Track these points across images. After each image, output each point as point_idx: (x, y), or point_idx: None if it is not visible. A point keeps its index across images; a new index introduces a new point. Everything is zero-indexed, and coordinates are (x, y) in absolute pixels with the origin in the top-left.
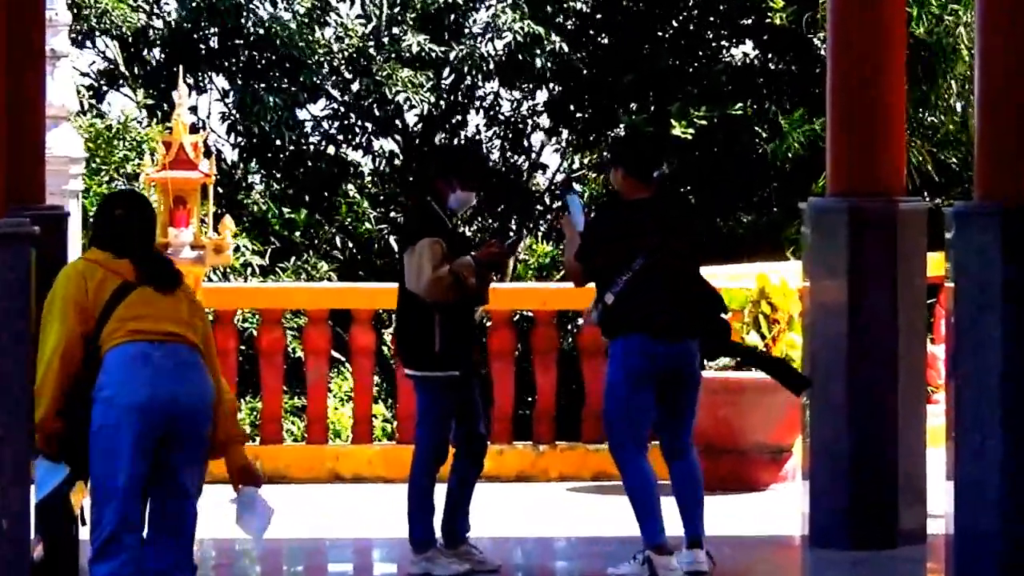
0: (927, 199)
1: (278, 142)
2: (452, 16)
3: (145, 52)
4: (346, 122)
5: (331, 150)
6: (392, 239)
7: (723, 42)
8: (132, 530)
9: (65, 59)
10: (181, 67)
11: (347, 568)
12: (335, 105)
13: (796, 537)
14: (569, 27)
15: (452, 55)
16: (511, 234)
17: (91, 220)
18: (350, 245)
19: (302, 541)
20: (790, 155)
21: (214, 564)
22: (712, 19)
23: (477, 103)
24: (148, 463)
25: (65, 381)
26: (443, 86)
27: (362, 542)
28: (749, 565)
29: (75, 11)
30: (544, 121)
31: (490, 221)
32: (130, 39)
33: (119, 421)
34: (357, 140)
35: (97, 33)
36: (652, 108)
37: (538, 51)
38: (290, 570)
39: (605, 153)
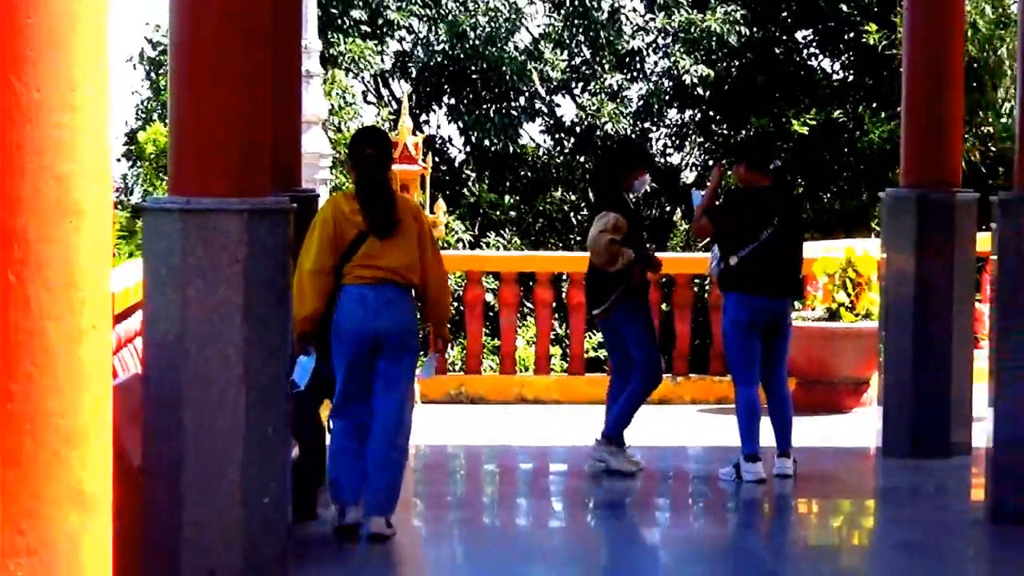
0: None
1: (499, 147)
2: (637, 59)
3: (393, 81)
4: (560, 136)
5: (540, 153)
6: (572, 216)
7: (827, 61)
8: (355, 400)
9: (316, 78)
10: (407, 88)
11: (531, 466)
12: (548, 123)
13: (871, 448)
14: (718, 63)
15: (640, 88)
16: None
17: (348, 150)
18: (541, 221)
19: (498, 447)
20: (871, 148)
21: (431, 461)
22: (817, 39)
23: (655, 122)
24: (362, 365)
25: (325, 292)
26: (636, 112)
27: (542, 448)
28: (836, 470)
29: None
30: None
31: (653, 209)
32: (378, 75)
33: (341, 340)
34: (567, 146)
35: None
36: (774, 112)
37: (697, 84)
38: (490, 468)
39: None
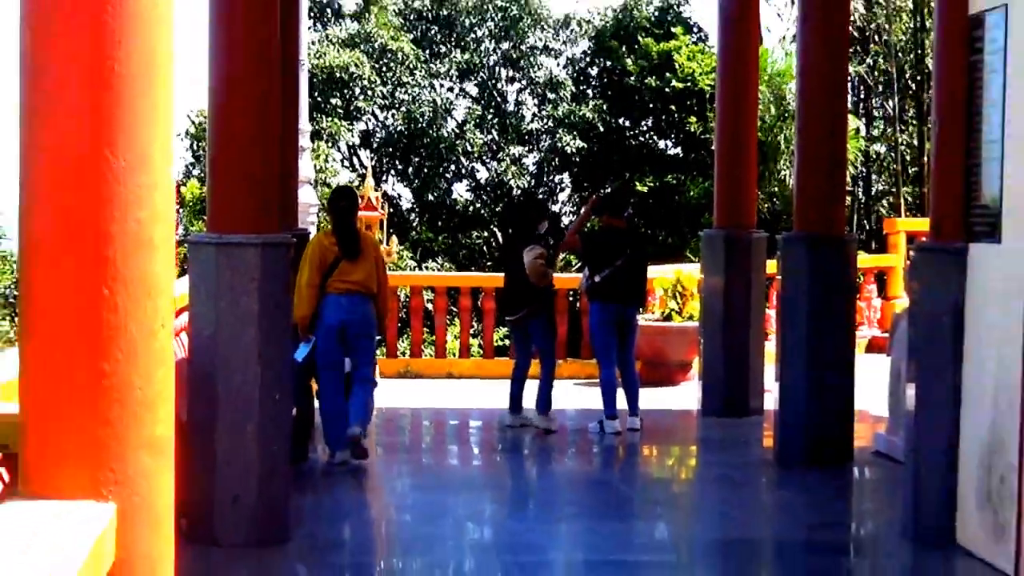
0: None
1: (436, 200)
2: (533, 137)
3: (361, 152)
4: (479, 192)
5: (465, 204)
6: (485, 249)
7: (662, 141)
8: (332, 369)
9: (307, 150)
10: (373, 157)
11: (457, 422)
12: (471, 183)
13: (694, 410)
14: (588, 140)
15: (535, 157)
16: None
17: (327, 202)
18: (464, 251)
19: (434, 409)
20: (692, 202)
21: (387, 419)
22: (655, 126)
23: (543, 182)
24: (338, 351)
25: (314, 299)
26: (531, 175)
27: (465, 410)
28: (669, 426)
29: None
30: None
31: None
32: (350, 147)
33: (322, 328)
34: (484, 199)
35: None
36: (625, 176)
37: (573, 155)
38: (428, 424)
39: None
